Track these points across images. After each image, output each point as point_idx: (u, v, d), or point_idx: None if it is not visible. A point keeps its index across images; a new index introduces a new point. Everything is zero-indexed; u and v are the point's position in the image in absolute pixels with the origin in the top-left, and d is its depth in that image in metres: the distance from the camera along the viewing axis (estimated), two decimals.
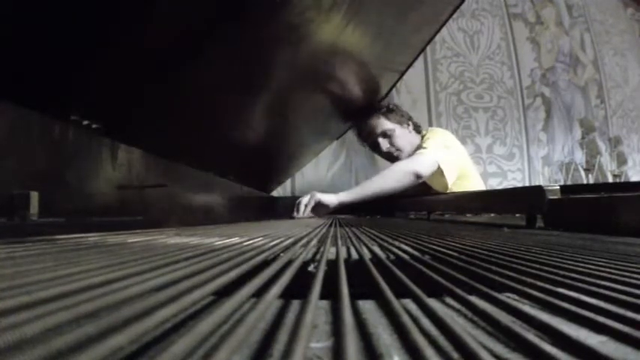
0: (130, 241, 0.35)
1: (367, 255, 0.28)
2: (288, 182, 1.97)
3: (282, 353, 0.12)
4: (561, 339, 0.11)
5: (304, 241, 0.37)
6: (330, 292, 0.17)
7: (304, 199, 1.35)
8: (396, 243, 0.36)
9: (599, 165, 2.27)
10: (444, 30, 1.66)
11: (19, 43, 0.41)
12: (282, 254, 0.28)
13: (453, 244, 0.34)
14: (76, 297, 0.13)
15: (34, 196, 0.42)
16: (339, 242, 0.34)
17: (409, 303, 0.16)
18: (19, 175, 0.43)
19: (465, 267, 0.23)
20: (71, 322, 0.11)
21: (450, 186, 1.42)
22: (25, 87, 0.43)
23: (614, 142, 2.32)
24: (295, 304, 0.17)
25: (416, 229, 0.57)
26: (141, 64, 0.54)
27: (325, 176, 1.98)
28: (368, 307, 0.17)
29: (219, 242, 0.34)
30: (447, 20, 1.17)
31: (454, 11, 1.13)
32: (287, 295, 0.17)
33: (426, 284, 0.18)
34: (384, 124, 1.51)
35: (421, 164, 1.37)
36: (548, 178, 2.16)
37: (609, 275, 0.19)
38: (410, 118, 1.57)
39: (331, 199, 1.34)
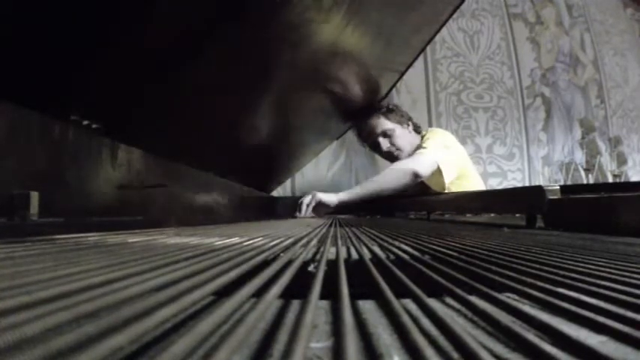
0: (130, 241, 0.35)
1: (367, 255, 0.28)
2: (288, 182, 1.97)
3: (282, 353, 0.12)
4: (561, 339, 0.11)
5: (304, 241, 0.37)
6: (330, 292, 0.17)
7: (306, 199, 1.36)
8: (396, 243, 0.36)
9: (599, 165, 2.27)
10: (444, 30, 1.66)
11: (19, 43, 0.41)
12: (282, 254, 0.28)
13: (453, 244, 0.34)
14: (76, 297, 0.13)
15: (34, 196, 0.42)
16: (339, 242, 0.34)
17: (409, 303, 0.16)
18: (19, 175, 0.43)
19: (464, 267, 0.23)
20: (71, 322, 0.11)
21: (447, 185, 1.42)
22: (25, 87, 0.43)
23: (614, 142, 2.32)
24: (295, 304, 0.17)
25: (416, 229, 0.57)
26: (141, 64, 0.55)
27: (325, 176, 1.98)
28: (368, 307, 0.17)
29: (219, 242, 0.34)
30: (447, 20, 1.18)
31: (454, 11, 1.13)
32: (287, 295, 0.17)
33: (426, 284, 0.18)
34: (384, 124, 1.52)
35: (421, 164, 1.38)
36: (548, 178, 2.16)
37: (609, 275, 0.19)
38: (410, 118, 1.58)
39: (331, 198, 1.36)
